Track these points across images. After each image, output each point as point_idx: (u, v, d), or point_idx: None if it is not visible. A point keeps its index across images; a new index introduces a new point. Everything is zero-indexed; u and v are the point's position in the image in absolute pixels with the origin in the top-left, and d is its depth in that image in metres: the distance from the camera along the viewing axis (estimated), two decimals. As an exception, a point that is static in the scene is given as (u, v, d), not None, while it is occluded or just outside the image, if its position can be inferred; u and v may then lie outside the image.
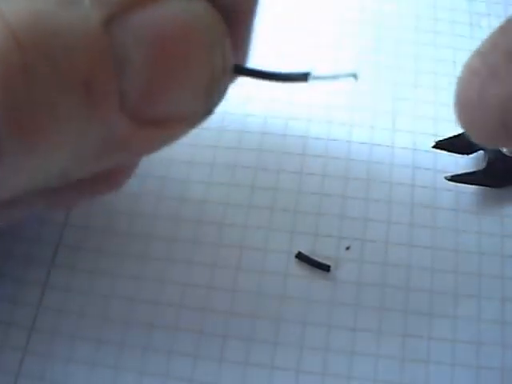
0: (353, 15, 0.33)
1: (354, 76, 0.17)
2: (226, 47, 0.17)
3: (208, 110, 0.17)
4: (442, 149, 0.28)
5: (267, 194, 0.28)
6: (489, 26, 0.33)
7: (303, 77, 0.17)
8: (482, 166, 0.28)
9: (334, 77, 0.17)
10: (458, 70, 0.32)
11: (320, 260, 0.27)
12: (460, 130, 0.28)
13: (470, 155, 0.28)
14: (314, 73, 0.17)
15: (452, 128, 0.29)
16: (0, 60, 0.12)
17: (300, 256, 0.27)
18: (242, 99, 0.30)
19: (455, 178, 0.28)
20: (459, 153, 0.28)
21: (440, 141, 0.28)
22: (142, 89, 0.15)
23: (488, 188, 0.28)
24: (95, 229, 0.28)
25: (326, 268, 0.26)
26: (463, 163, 0.29)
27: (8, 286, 0.27)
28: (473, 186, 0.28)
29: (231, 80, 0.18)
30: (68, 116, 0.14)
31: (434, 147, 0.28)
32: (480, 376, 0.24)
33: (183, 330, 0.26)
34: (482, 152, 0.28)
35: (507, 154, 0.27)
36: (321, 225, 0.27)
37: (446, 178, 0.28)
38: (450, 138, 0.28)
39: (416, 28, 0.33)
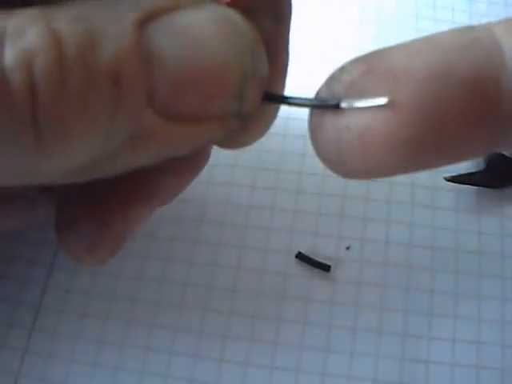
0: (353, 15, 0.33)
1: (385, 100, 0.17)
2: (259, 54, 0.17)
3: (240, 115, 0.17)
4: None
5: (267, 194, 0.28)
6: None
7: (335, 104, 0.17)
8: (482, 166, 0.28)
9: (365, 102, 0.17)
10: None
11: (320, 260, 0.27)
12: None
13: None
14: (346, 101, 0.17)
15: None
16: (42, 59, 0.14)
17: (300, 256, 0.27)
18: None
19: (455, 179, 0.28)
20: None
21: None
22: (170, 86, 0.15)
23: (488, 188, 0.28)
24: (95, 229, 0.28)
25: (326, 268, 0.26)
26: (463, 164, 0.29)
27: (9, 287, 0.27)
28: (473, 187, 0.28)
29: (273, 109, 0.19)
30: (97, 107, 0.15)
31: None
32: (480, 376, 0.24)
33: (183, 330, 0.26)
34: None
35: (507, 154, 0.27)
36: (321, 225, 0.28)
37: (445, 178, 0.28)
38: None
39: (416, 28, 0.33)
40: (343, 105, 0.17)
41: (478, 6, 0.34)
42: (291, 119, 0.30)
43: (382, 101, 0.16)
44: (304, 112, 0.29)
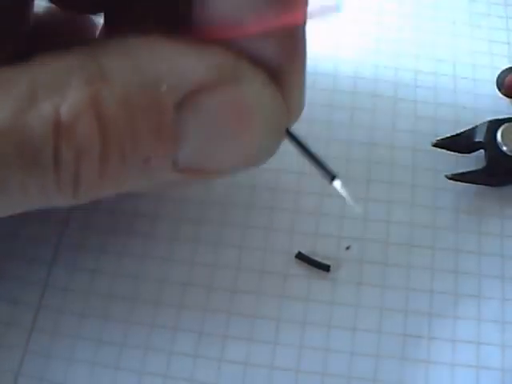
0: (353, 15, 0.33)
1: (360, 209, 0.21)
2: (279, 130, 0.19)
3: (252, 166, 0.20)
4: (442, 147, 0.28)
5: (267, 195, 0.28)
6: (489, 26, 0.33)
7: (330, 177, 0.20)
8: (482, 164, 0.28)
9: (347, 198, 0.20)
10: (458, 70, 0.33)
11: (320, 260, 0.27)
12: (460, 130, 0.28)
13: (470, 154, 0.28)
14: (339, 182, 0.20)
15: (452, 128, 0.30)
16: (90, 156, 0.16)
17: (300, 256, 0.27)
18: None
19: (456, 177, 0.28)
20: (459, 152, 0.28)
21: (440, 139, 0.28)
22: (192, 158, 0.17)
23: (488, 187, 0.28)
24: (96, 229, 0.28)
25: (325, 268, 0.26)
26: (463, 162, 0.29)
27: (8, 286, 0.27)
28: (473, 186, 0.28)
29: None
30: (131, 176, 0.17)
31: (434, 146, 0.28)
32: (480, 376, 0.24)
33: (183, 330, 0.26)
34: (482, 151, 0.28)
35: (507, 152, 0.27)
36: (321, 225, 0.27)
37: (446, 176, 0.28)
38: (450, 136, 0.28)
39: (416, 28, 0.33)
40: (334, 184, 0.20)
41: (478, 6, 0.34)
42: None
43: (356, 207, 0.20)
44: (304, 113, 0.29)
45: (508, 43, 0.33)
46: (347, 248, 0.27)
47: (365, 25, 0.33)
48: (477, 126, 0.28)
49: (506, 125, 0.28)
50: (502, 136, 0.27)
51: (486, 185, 0.28)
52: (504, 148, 0.27)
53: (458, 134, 0.28)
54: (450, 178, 0.28)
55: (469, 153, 0.28)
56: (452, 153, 0.29)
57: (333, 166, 0.29)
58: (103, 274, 0.27)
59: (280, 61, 0.19)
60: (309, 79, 0.32)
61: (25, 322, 0.26)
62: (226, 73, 0.17)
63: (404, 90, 0.31)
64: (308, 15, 0.17)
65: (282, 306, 0.26)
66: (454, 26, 0.33)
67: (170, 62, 0.16)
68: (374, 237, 0.27)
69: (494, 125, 0.28)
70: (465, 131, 0.28)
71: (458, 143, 0.28)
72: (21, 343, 0.25)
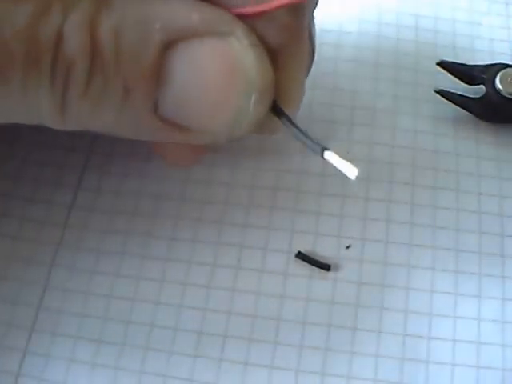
0: (353, 14, 0.33)
1: (355, 175, 0.20)
2: (263, 96, 0.19)
3: (232, 135, 0.20)
4: (445, 69, 0.29)
5: (267, 194, 0.28)
6: (489, 25, 0.33)
7: (321, 150, 0.20)
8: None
9: (342, 165, 0.20)
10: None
11: (320, 260, 0.27)
12: (468, 62, 0.30)
13: (471, 86, 0.30)
14: (330, 153, 0.20)
15: (451, 127, 0.30)
16: (80, 54, 0.17)
17: (300, 256, 0.27)
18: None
19: (445, 93, 0.29)
20: (459, 78, 0.30)
21: (445, 61, 0.29)
22: (173, 103, 0.18)
23: (489, 183, 0.28)
24: (95, 229, 0.28)
25: (326, 268, 0.26)
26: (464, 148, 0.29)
27: (8, 287, 0.27)
28: (474, 187, 0.28)
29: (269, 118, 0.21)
30: (110, 102, 0.18)
31: (437, 64, 0.29)
32: (480, 376, 0.24)
33: (183, 330, 0.26)
34: (482, 86, 0.29)
35: (504, 93, 0.28)
36: (321, 225, 0.27)
37: (435, 90, 0.29)
38: (457, 63, 0.29)
39: (416, 27, 0.33)
40: (326, 155, 0.19)
41: (478, 5, 0.34)
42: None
43: (354, 171, 0.19)
44: (303, 113, 0.29)
45: (509, 41, 0.32)
46: (347, 248, 0.27)
47: (364, 24, 0.33)
48: (484, 65, 0.29)
49: (509, 69, 0.29)
50: (500, 77, 0.29)
51: (473, 114, 0.29)
52: (500, 87, 0.28)
53: (463, 64, 0.30)
54: (438, 93, 0.29)
55: (469, 84, 0.30)
56: (453, 152, 0.29)
57: (332, 165, 0.29)
58: (103, 274, 0.27)
59: (281, 41, 0.19)
60: (309, 79, 0.32)
61: (25, 322, 0.26)
62: (217, 26, 0.18)
63: (404, 89, 0.31)
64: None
65: (282, 306, 0.26)
66: (454, 24, 0.33)
67: (166, 7, 0.18)
68: (374, 237, 0.27)
69: (500, 67, 0.29)
70: (472, 65, 0.30)
71: (460, 71, 0.29)
72: (21, 344, 0.25)
